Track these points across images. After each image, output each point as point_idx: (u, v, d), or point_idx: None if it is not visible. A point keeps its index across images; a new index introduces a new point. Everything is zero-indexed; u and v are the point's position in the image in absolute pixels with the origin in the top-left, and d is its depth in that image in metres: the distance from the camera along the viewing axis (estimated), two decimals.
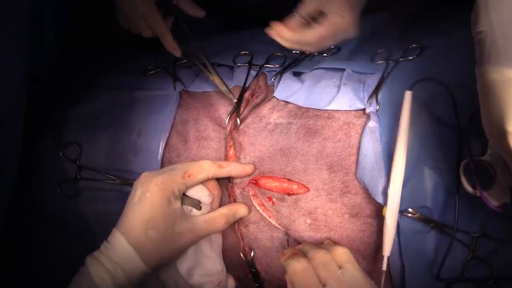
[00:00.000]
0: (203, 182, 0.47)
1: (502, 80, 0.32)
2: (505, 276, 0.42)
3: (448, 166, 0.43)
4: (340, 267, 0.38)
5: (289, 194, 0.47)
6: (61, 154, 0.53)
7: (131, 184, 0.48)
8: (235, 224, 0.48)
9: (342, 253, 0.39)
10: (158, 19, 0.55)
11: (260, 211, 0.47)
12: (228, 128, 0.52)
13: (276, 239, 0.46)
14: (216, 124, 0.53)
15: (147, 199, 0.43)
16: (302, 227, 0.46)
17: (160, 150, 0.52)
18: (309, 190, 0.46)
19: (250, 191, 0.48)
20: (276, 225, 0.47)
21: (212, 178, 0.47)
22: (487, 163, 0.41)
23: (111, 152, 0.53)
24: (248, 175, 0.49)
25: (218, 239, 0.48)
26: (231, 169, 0.47)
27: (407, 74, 0.51)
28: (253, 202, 0.48)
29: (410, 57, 0.52)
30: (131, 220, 0.43)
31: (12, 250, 0.53)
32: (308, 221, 0.46)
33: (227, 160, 0.50)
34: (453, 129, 0.45)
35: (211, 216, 0.46)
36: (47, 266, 0.55)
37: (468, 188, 0.41)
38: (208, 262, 0.46)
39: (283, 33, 0.50)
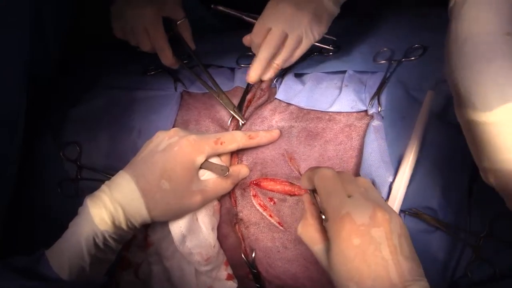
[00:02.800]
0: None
1: (474, 122, 0.33)
2: (508, 275, 0.42)
3: (458, 166, 0.43)
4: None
5: (290, 195, 0.47)
6: (61, 154, 0.53)
7: None
8: (236, 225, 0.48)
9: (365, 181, 0.39)
10: (161, 33, 0.55)
11: (261, 210, 0.47)
12: (230, 130, 0.51)
13: (277, 239, 0.46)
14: (218, 125, 0.53)
15: (174, 152, 0.43)
16: None
17: None
18: None
19: (251, 192, 0.48)
20: (277, 224, 0.46)
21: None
22: None
23: (111, 152, 0.53)
24: (275, 140, 0.49)
25: (215, 215, 0.48)
26: (260, 139, 0.48)
27: (409, 75, 0.50)
28: (254, 202, 0.47)
29: (413, 58, 0.52)
30: (149, 165, 0.42)
31: (12, 250, 0.53)
32: None
33: (232, 164, 0.50)
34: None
35: (218, 177, 0.46)
36: None
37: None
38: (201, 233, 0.45)
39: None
